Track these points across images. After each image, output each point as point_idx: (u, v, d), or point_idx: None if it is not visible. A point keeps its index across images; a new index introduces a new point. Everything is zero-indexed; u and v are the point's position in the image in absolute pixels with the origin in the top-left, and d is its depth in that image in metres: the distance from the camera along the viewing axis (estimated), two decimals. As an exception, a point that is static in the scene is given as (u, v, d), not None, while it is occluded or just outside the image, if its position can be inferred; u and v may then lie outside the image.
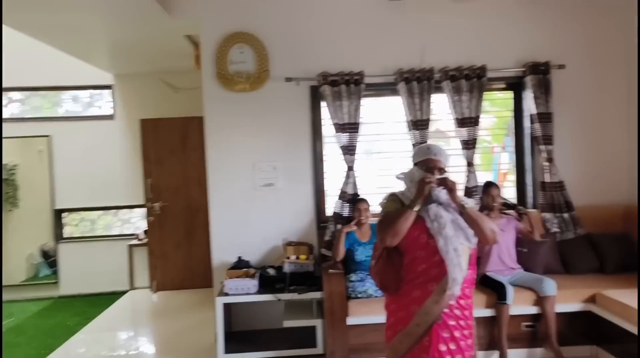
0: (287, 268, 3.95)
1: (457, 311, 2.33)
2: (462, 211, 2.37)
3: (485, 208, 3.96)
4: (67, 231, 6.32)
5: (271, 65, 4.30)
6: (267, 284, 3.91)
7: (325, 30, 4.35)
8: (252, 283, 3.84)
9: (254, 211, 4.33)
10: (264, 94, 4.32)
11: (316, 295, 3.85)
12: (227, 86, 4.28)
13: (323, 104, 4.33)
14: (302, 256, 4.03)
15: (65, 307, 5.72)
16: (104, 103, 6.34)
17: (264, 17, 4.31)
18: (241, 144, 4.32)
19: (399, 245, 2.37)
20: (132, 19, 4.23)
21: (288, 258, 4.02)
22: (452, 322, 2.31)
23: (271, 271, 4.00)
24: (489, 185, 3.99)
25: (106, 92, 6.31)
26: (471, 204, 2.42)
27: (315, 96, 4.37)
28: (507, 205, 4.06)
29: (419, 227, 2.34)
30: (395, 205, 2.43)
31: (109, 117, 6.27)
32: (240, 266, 4.04)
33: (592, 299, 3.65)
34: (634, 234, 4.16)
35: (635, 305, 3.26)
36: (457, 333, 2.32)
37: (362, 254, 3.88)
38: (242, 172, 4.32)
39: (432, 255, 2.31)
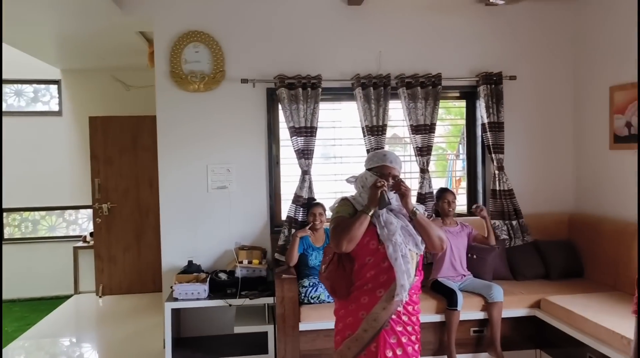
0: (239, 272, 3.88)
1: (404, 318, 2.35)
2: (412, 217, 2.37)
3: (441, 213, 4.01)
4: (6, 232, 6.00)
5: (227, 65, 4.22)
6: (218, 289, 3.83)
7: (283, 33, 4.31)
8: (203, 288, 3.74)
9: (206, 214, 4.23)
10: (219, 95, 4.23)
11: (268, 300, 3.80)
12: (181, 86, 4.17)
13: (279, 107, 4.28)
14: (255, 261, 3.97)
15: (3, 312, 5.42)
16: (50, 99, 6.07)
17: (220, 17, 4.23)
18: (194, 146, 4.21)
19: (347, 258, 2.37)
20: (81, 12, 4.05)
21: (240, 262, 3.95)
22: (399, 328, 2.33)
23: (223, 276, 3.91)
24: (444, 191, 4.05)
25: (53, 87, 6.04)
26: (421, 210, 2.43)
27: (272, 99, 4.32)
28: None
29: (370, 233, 2.34)
30: (347, 210, 2.42)
31: (56, 113, 6.01)
32: (190, 270, 3.93)
33: (537, 304, 3.76)
34: (578, 241, 4.32)
35: (578, 311, 3.38)
36: (404, 339, 2.34)
37: (316, 259, 3.86)
38: (194, 174, 4.22)
39: (381, 261, 2.32)
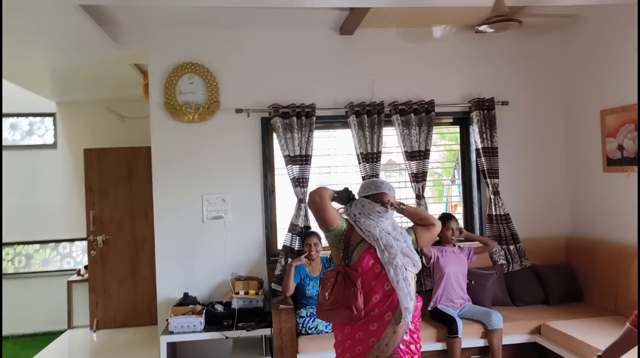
0: (235, 303, 3.83)
1: (412, 346, 2.40)
2: (402, 209, 2.60)
3: (442, 240, 3.99)
4: None
5: (221, 96, 4.26)
6: (214, 321, 3.77)
7: (276, 63, 4.36)
8: (199, 321, 3.68)
9: (201, 245, 4.20)
10: (214, 125, 4.25)
11: (265, 331, 3.74)
12: (176, 116, 4.19)
13: (274, 135, 4.30)
14: (252, 292, 3.92)
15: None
16: (45, 131, 6.08)
17: (214, 48, 4.28)
18: (189, 176, 4.21)
19: (354, 272, 2.38)
20: (77, 47, 4.10)
21: (237, 293, 3.90)
22: (407, 357, 2.37)
23: (219, 308, 3.86)
24: (449, 218, 4.01)
25: (48, 120, 6.06)
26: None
27: (266, 128, 4.34)
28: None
29: (372, 256, 2.40)
30: (344, 225, 2.51)
31: (51, 146, 6.01)
32: (186, 302, 3.87)
33: (537, 330, 3.72)
34: (576, 265, 4.29)
35: (579, 336, 3.34)
36: None
37: (313, 288, 3.82)
38: (189, 204, 4.20)
39: (385, 285, 2.37)
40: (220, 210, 4.22)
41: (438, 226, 2.67)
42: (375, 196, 2.50)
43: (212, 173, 4.24)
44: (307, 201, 2.51)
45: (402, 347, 2.36)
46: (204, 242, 4.20)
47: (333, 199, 2.54)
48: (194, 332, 3.67)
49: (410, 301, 2.33)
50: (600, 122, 4.21)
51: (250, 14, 4.02)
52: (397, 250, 2.38)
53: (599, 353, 1.91)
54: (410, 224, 2.72)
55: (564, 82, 4.67)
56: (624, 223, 3.96)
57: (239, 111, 4.22)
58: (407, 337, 2.39)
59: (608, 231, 4.16)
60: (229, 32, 4.30)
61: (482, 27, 3.71)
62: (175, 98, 4.18)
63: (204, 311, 3.78)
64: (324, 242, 3.90)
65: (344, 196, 2.57)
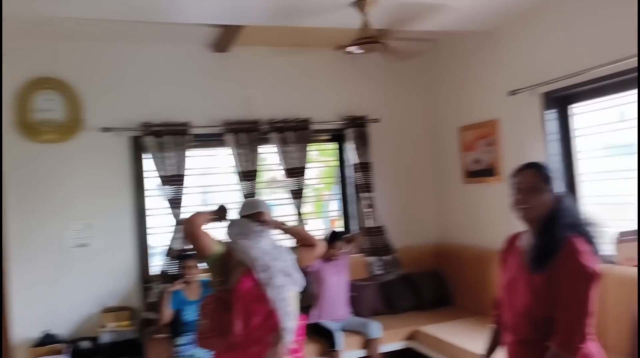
0: (104, 338, 3.54)
1: None
2: (284, 228, 2.59)
3: (329, 258, 4.03)
4: None
5: (86, 114, 3.96)
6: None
7: (147, 79, 4.17)
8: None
9: (64, 277, 3.83)
10: (78, 145, 3.94)
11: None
12: (32, 137, 3.81)
13: (146, 155, 4.09)
14: (123, 323, 3.66)
15: None
16: None
17: (76, 62, 3.98)
18: (49, 202, 3.84)
19: (231, 296, 2.33)
20: None
21: (106, 326, 3.60)
22: None
23: (85, 344, 3.54)
24: (338, 238, 4.02)
25: None
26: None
27: (137, 147, 4.12)
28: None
29: (252, 277, 2.35)
30: (220, 249, 2.43)
31: None
32: (46, 342, 3.50)
33: (412, 336, 3.91)
34: (444, 270, 4.60)
35: (447, 338, 3.56)
36: None
37: (192, 314, 3.65)
38: (49, 233, 3.82)
39: (265, 306, 2.33)
40: (86, 237, 3.89)
41: (320, 247, 2.68)
42: (253, 215, 2.49)
43: (76, 196, 3.91)
44: (182, 230, 2.44)
45: None
46: (67, 273, 3.84)
47: (212, 221, 2.48)
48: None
49: (289, 321, 2.32)
50: (458, 138, 4.59)
51: (117, 28, 3.79)
52: (275, 270, 2.37)
53: None
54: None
55: (427, 101, 5.03)
56: (484, 229, 4.33)
57: (106, 129, 3.96)
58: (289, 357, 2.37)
59: (470, 237, 4.52)
60: (93, 46, 4.03)
61: (351, 48, 3.88)
62: (30, 116, 3.80)
63: (70, 350, 3.44)
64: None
65: (222, 214, 2.53)
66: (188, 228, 2.41)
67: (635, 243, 3.08)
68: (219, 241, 2.47)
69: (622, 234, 3.16)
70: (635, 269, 3.00)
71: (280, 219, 2.71)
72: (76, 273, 3.85)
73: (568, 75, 3.37)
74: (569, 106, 3.61)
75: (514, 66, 3.91)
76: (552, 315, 1.68)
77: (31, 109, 3.80)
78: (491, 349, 2.03)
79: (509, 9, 3.65)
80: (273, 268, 2.36)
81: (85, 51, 4.01)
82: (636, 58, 2.94)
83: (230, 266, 2.39)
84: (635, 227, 3.12)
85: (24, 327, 3.68)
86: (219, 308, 2.33)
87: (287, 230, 2.63)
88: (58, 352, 3.42)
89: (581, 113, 3.57)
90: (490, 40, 4.14)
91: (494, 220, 4.18)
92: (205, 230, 2.42)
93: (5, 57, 3.78)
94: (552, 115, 3.64)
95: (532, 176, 1.81)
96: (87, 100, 3.98)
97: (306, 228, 4.30)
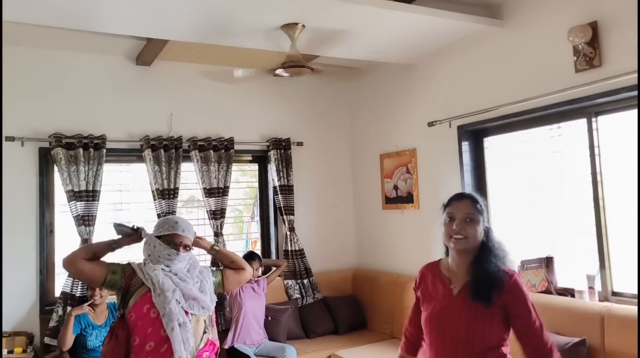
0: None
1: None
2: (214, 252, 2.50)
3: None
4: None
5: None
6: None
7: (61, 88, 3.95)
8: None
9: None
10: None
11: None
12: None
13: (55, 168, 3.83)
14: (17, 350, 3.34)
15: None
16: None
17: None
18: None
19: (127, 322, 2.18)
20: None
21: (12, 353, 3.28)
22: None
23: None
24: (253, 258, 3.94)
25: None
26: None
27: (46, 159, 3.86)
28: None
29: (148, 300, 2.19)
30: (117, 269, 2.27)
31: None
32: None
33: (328, 360, 3.91)
34: (360, 295, 4.66)
35: (362, 362, 3.59)
36: None
37: (97, 339, 3.42)
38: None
39: (160, 331, 2.17)
40: (-20, 254, 3.55)
41: (249, 271, 2.58)
42: (168, 237, 2.30)
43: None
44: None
45: None
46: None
47: (116, 242, 2.33)
48: None
49: (185, 351, 2.16)
50: (379, 165, 4.73)
51: (34, 32, 3.56)
52: (173, 293, 2.20)
53: None
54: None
55: (350, 127, 5.15)
56: (399, 254, 4.46)
57: (10, 138, 3.67)
58: None
59: (386, 262, 4.63)
60: (5, 49, 3.74)
61: (279, 71, 3.90)
62: None
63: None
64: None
65: (124, 231, 2.35)
66: (69, 269, 2.28)
67: (536, 270, 3.31)
68: (115, 265, 2.29)
69: (524, 262, 3.38)
70: (537, 295, 3.22)
71: (208, 240, 2.59)
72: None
73: (482, 110, 3.60)
74: (483, 139, 3.85)
75: (433, 98, 4.12)
76: (490, 342, 1.76)
77: None
78: None
79: (428, 44, 3.86)
80: (170, 291, 2.20)
81: (-9, 53, 3.72)
82: (539, 99, 3.21)
83: (131, 289, 2.23)
84: (532, 256, 3.35)
85: None
86: (112, 338, 2.17)
87: (216, 252, 2.52)
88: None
89: (494, 146, 3.81)
90: (411, 73, 4.34)
91: (409, 246, 4.33)
92: (89, 260, 2.24)
93: None
94: (467, 146, 3.86)
95: (469, 206, 1.82)
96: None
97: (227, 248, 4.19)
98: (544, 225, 3.48)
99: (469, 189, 3.80)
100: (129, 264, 2.31)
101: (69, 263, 2.23)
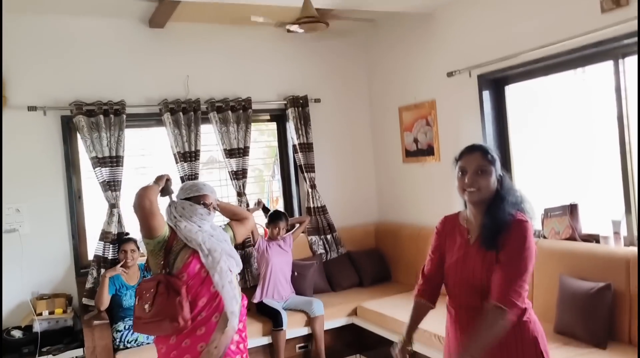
0: (37, 326, 3.38)
1: (240, 346, 2.42)
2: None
3: (273, 237, 4.05)
4: None
5: (9, 91, 3.70)
6: (12, 350, 3.28)
7: (78, 54, 3.95)
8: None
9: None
10: (3, 125, 3.67)
11: (78, 352, 3.39)
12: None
13: (78, 136, 3.89)
14: (58, 310, 3.51)
15: None
16: None
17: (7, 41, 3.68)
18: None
19: (177, 280, 2.27)
20: None
21: (39, 314, 3.45)
22: (237, 357, 2.38)
23: (17, 334, 3.37)
24: (279, 218, 4.05)
25: None
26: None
27: (68, 127, 3.91)
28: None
29: (199, 260, 2.32)
30: (167, 232, 2.35)
31: None
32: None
33: (354, 312, 4.01)
34: (384, 248, 4.73)
35: (388, 313, 3.67)
36: None
37: (131, 298, 3.55)
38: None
39: (210, 287, 2.32)
40: (14, 222, 3.67)
41: (251, 218, 2.76)
42: (197, 198, 2.41)
43: (3, 179, 3.66)
44: (134, 203, 2.27)
45: (232, 347, 2.34)
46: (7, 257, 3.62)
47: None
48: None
49: (236, 305, 2.32)
50: (398, 118, 4.69)
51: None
52: (220, 253, 2.34)
53: (402, 337, 1.99)
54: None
55: (367, 81, 5.08)
56: (421, 207, 4.48)
57: (32, 108, 3.72)
58: (236, 337, 2.38)
59: (408, 215, 4.65)
60: (15, 17, 3.74)
61: (293, 27, 3.84)
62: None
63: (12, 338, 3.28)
64: (142, 249, 3.67)
65: (168, 189, 2.46)
66: (145, 204, 2.24)
67: (560, 218, 3.30)
68: (167, 223, 2.39)
69: (548, 210, 3.37)
70: (561, 242, 3.23)
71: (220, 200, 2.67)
72: (5, 260, 3.61)
73: (503, 57, 3.51)
74: (504, 87, 3.77)
75: (452, 48, 4.02)
76: None
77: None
78: (417, 321, 2.02)
79: (447, -8, 3.74)
80: (218, 251, 2.34)
81: (6, 22, 3.71)
82: (564, 42, 3.11)
83: (174, 250, 2.33)
84: (560, 203, 3.34)
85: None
86: (161, 294, 2.26)
87: (217, 207, 2.59)
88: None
89: (515, 94, 3.74)
90: (428, 22, 4.23)
91: (431, 199, 4.34)
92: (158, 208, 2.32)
93: None
94: (487, 96, 3.79)
95: (479, 158, 1.82)
96: (9, 76, 3.70)
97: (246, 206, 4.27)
98: (568, 172, 3.44)
99: (490, 139, 3.76)
100: (168, 223, 2.40)
101: (149, 200, 2.24)
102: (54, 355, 3.28)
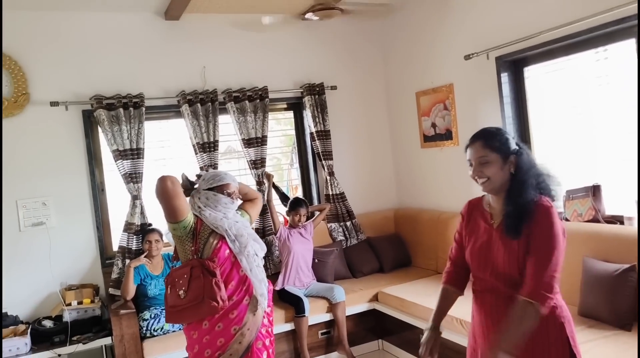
0: (67, 316, 3.48)
1: (270, 329, 2.50)
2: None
3: (294, 225, 4.08)
4: None
5: (31, 87, 3.77)
6: (43, 339, 3.38)
7: (96, 49, 4.00)
8: (23, 342, 3.26)
9: (20, 257, 3.71)
10: (25, 120, 3.76)
11: (106, 340, 3.47)
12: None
13: (100, 129, 3.95)
14: (86, 300, 3.60)
15: None
16: None
17: (18, 33, 3.75)
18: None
19: (211, 263, 2.33)
20: None
21: (69, 304, 3.54)
22: (267, 340, 2.44)
23: (47, 324, 3.47)
24: (299, 204, 4.08)
25: None
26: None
27: (89, 121, 3.98)
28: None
29: (227, 246, 2.40)
30: (192, 217, 2.41)
31: None
32: (5, 323, 3.41)
33: (375, 298, 4.03)
34: (403, 233, 4.73)
35: (409, 298, 3.68)
36: (267, 342, 2.45)
37: (156, 288, 3.63)
38: (3, 212, 3.67)
39: (239, 271, 2.40)
40: (41, 215, 3.76)
41: (260, 198, 2.82)
42: (220, 187, 2.46)
43: (28, 174, 3.75)
44: (156, 187, 2.30)
45: (262, 330, 2.41)
46: (24, 253, 3.72)
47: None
48: (18, 355, 3.25)
49: (265, 287, 2.41)
50: (416, 103, 4.66)
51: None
52: (247, 238, 2.41)
53: (430, 325, 1.99)
54: None
55: (384, 67, 5.05)
56: (439, 192, 4.47)
57: (54, 103, 3.78)
58: (265, 321, 2.45)
59: (427, 200, 4.65)
60: (35, 15, 3.80)
61: (308, 15, 3.84)
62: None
63: (29, 330, 3.37)
64: (165, 239, 3.73)
65: (186, 183, 2.51)
66: (167, 185, 2.27)
67: (582, 200, 3.26)
68: (190, 208, 2.44)
69: (570, 192, 3.33)
70: (584, 224, 3.19)
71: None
72: (33, 253, 3.73)
73: (521, 38, 3.45)
74: (523, 69, 3.71)
75: (469, 30, 3.97)
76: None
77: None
78: (444, 309, 2.01)
79: (463, -26, 3.67)
80: (244, 237, 2.40)
81: (26, 20, 3.78)
82: (581, 22, 3.04)
83: (202, 236, 2.39)
84: (583, 185, 3.30)
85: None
86: (196, 277, 2.30)
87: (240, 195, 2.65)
88: (18, 333, 3.34)
89: (534, 76, 3.68)
90: (444, 5, 4.18)
91: (450, 183, 4.32)
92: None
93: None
94: (506, 78, 3.74)
95: (480, 149, 1.79)
96: (31, 73, 3.78)
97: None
98: (590, 154, 3.39)
99: (509, 122, 3.72)
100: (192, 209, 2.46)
101: (171, 180, 2.29)
102: (83, 343, 3.37)
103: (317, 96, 4.62)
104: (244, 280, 2.40)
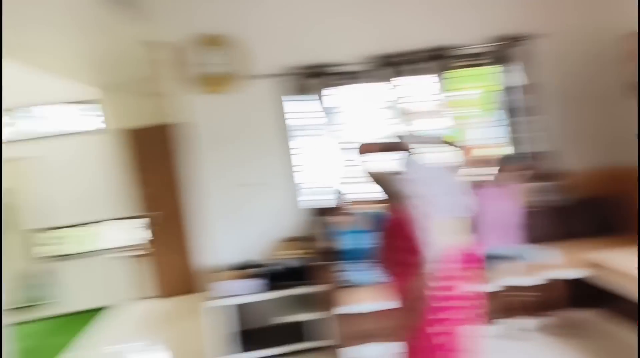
0: (285, 263, 3.96)
1: (446, 292, 2.40)
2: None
3: (499, 183, 3.93)
4: (52, 250, 6.15)
5: (252, 63, 4.24)
6: (269, 281, 3.88)
7: (302, 22, 4.30)
8: (253, 283, 3.83)
9: (249, 209, 4.32)
10: (246, 94, 4.25)
11: (311, 288, 3.84)
12: (210, 89, 4.20)
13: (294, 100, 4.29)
14: (300, 251, 4.05)
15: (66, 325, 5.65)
16: (87, 117, 6.20)
17: (239, 16, 4.24)
18: (233, 146, 4.30)
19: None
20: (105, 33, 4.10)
21: (286, 253, 4.06)
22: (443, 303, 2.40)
23: (279, 268, 3.95)
24: (508, 162, 3.96)
25: (86, 106, 6.16)
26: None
27: (285, 93, 4.30)
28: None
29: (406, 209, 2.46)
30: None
31: (95, 131, 6.13)
32: (247, 266, 4.06)
33: (588, 264, 3.64)
34: (619, 195, 4.16)
35: (631, 271, 3.25)
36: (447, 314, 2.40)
37: (352, 242, 3.88)
38: (235, 172, 4.31)
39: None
40: (264, 176, 4.33)
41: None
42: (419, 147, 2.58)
43: (254, 139, 4.31)
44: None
45: (441, 293, 2.40)
46: (251, 206, 4.32)
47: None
48: (250, 293, 3.80)
49: (432, 251, 2.33)
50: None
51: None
52: (432, 198, 2.42)
53: None
54: None
55: (595, 6, 4.34)
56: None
57: (263, 76, 4.23)
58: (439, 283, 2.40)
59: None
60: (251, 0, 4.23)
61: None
62: (204, 71, 4.18)
63: (256, 273, 3.92)
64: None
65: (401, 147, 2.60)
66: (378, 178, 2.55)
67: None
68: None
69: None
70: None
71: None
72: (258, 207, 4.32)
73: None
74: None
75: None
76: None
77: (204, 64, 4.17)
78: None
79: None
80: (431, 196, 2.39)
81: (245, 3, 4.23)
82: None
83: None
84: None
85: (220, 254, 4.27)
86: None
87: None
88: (250, 275, 3.90)
89: None
90: None
91: None
92: (383, 171, 2.51)
93: (173, 19, 4.16)
94: None
95: None
96: (251, 50, 4.23)
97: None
98: None
99: None
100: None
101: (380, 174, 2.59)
102: (304, 286, 3.81)
103: (521, 47, 4.28)
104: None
